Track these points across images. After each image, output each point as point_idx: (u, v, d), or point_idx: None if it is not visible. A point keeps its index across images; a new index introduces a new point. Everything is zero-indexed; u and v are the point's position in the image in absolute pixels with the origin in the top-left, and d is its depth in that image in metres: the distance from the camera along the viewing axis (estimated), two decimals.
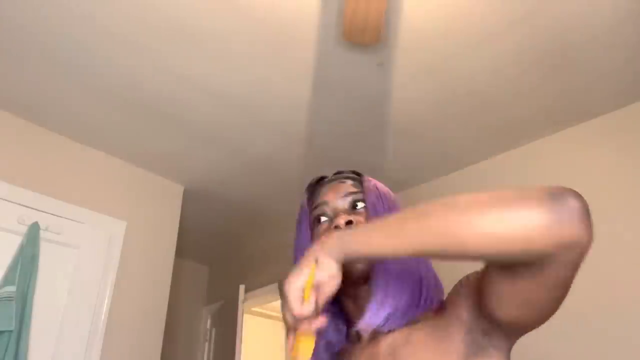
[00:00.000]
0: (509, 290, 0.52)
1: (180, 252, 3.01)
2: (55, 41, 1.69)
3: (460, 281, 0.65)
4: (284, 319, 0.60)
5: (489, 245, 0.46)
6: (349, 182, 0.77)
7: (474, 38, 1.73)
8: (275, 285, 3.14)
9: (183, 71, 1.86)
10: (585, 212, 0.45)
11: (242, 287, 3.21)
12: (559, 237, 0.44)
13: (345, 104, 2.06)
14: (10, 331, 1.66)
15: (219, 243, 3.50)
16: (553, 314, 0.53)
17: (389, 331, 0.65)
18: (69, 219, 2.08)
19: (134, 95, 1.98)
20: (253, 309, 3.98)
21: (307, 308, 0.56)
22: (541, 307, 0.52)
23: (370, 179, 0.79)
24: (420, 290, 0.66)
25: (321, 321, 0.58)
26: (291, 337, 0.58)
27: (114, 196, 2.33)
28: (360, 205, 0.73)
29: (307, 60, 1.82)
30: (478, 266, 0.62)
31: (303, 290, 0.57)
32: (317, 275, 0.57)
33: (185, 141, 2.30)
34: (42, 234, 1.92)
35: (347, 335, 0.74)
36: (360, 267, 0.66)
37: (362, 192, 0.75)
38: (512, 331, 0.57)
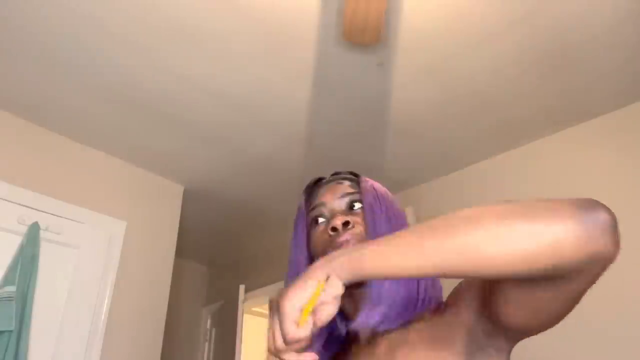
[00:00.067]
0: (525, 299, 0.51)
1: (180, 252, 3.01)
2: (55, 41, 1.69)
3: (465, 281, 0.64)
4: (269, 343, 0.52)
5: (519, 262, 0.44)
6: (346, 183, 0.77)
7: (474, 38, 1.73)
8: (275, 285, 3.14)
9: (183, 71, 1.86)
10: (614, 225, 0.44)
11: (242, 287, 3.21)
12: (589, 251, 0.43)
13: (345, 104, 2.06)
14: (10, 331, 1.66)
15: (219, 243, 3.50)
16: (561, 320, 0.53)
17: (387, 331, 0.65)
18: (69, 219, 2.08)
19: (134, 95, 1.98)
20: (253, 309, 3.98)
21: (303, 332, 0.49)
22: (551, 315, 0.52)
23: (368, 179, 0.79)
24: (417, 290, 0.66)
25: (311, 356, 0.51)
26: None
27: (114, 196, 2.33)
28: (357, 205, 0.73)
29: (307, 60, 1.82)
30: None
31: (301, 311, 0.50)
32: (323, 295, 0.50)
33: (185, 141, 2.30)
34: (42, 234, 1.92)
35: (346, 335, 0.74)
36: None
37: (359, 192, 0.75)
38: (516, 334, 0.57)
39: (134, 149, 2.35)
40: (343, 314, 0.74)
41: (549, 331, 0.54)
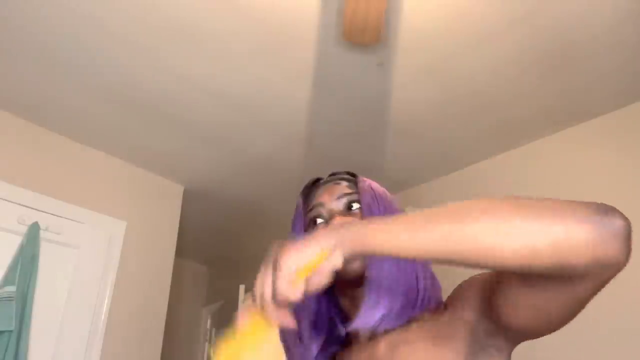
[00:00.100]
0: (529, 299, 0.50)
1: (180, 252, 3.00)
2: (55, 41, 1.69)
3: (466, 281, 0.64)
4: (257, 290, 0.51)
5: (527, 257, 0.44)
6: (344, 183, 0.76)
7: (473, 38, 1.73)
8: None
9: (183, 71, 1.86)
10: (628, 234, 0.44)
11: (242, 287, 3.21)
12: (598, 256, 0.43)
13: (345, 104, 2.06)
14: (10, 331, 1.66)
15: (219, 243, 3.50)
16: (565, 325, 0.52)
17: (387, 331, 0.65)
18: (69, 219, 2.08)
19: (134, 95, 1.98)
20: None
21: (294, 294, 0.49)
22: (555, 319, 0.51)
23: (365, 179, 0.79)
24: (416, 290, 0.66)
25: (290, 322, 0.51)
26: (248, 315, 0.51)
27: (114, 196, 2.33)
28: (355, 206, 0.73)
29: (307, 60, 1.82)
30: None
31: (298, 272, 0.49)
32: (325, 263, 0.50)
33: (185, 141, 2.30)
34: (42, 234, 1.92)
35: (346, 335, 0.74)
36: (355, 267, 0.65)
37: (357, 193, 0.75)
38: (517, 336, 0.57)
39: (134, 149, 2.35)
40: (343, 314, 0.74)
41: (555, 333, 0.54)
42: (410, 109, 2.10)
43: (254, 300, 0.51)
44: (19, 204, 1.93)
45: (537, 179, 2.23)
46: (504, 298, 0.53)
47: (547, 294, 0.48)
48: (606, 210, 0.44)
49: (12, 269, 1.77)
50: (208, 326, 3.54)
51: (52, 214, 2.02)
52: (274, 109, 2.09)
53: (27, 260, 1.81)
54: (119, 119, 2.13)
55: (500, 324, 0.55)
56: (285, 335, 0.71)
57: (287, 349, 0.71)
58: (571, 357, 1.83)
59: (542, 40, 1.73)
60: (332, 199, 0.74)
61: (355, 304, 0.68)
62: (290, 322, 0.51)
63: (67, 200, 2.12)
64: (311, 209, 0.75)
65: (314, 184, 0.81)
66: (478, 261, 0.46)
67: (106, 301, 2.09)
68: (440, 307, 0.66)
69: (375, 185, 0.78)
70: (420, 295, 0.66)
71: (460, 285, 0.65)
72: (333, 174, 0.81)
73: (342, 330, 0.73)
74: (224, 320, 3.37)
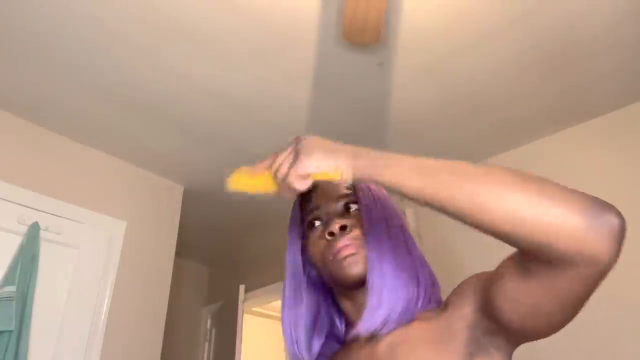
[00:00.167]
0: (521, 291, 0.51)
1: (180, 252, 3.00)
2: (55, 41, 1.69)
3: (465, 280, 0.64)
4: (276, 165, 0.60)
5: (513, 224, 0.45)
6: (342, 184, 0.76)
7: (473, 38, 1.73)
8: (275, 285, 3.15)
9: (183, 71, 1.86)
10: (619, 234, 0.44)
11: (242, 287, 3.21)
12: (584, 245, 0.43)
13: (345, 104, 2.06)
14: (10, 331, 1.66)
15: (219, 243, 3.50)
16: (561, 328, 0.52)
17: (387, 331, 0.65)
18: (69, 219, 2.08)
19: (134, 95, 1.98)
20: (253, 309, 3.98)
21: (301, 186, 0.58)
22: (549, 319, 0.51)
23: None
24: (417, 290, 0.66)
25: (289, 195, 0.60)
26: (264, 169, 0.63)
27: (114, 196, 2.33)
28: (353, 207, 0.73)
29: (307, 60, 1.82)
30: (479, 268, 0.62)
31: (310, 174, 0.58)
32: (334, 182, 0.58)
33: (186, 141, 2.30)
34: (42, 234, 1.92)
35: (345, 335, 0.74)
36: (357, 271, 0.66)
37: (355, 193, 0.74)
38: (516, 337, 0.57)
39: (134, 149, 2.35)
40: (343, 315, 0.74)
41: (555, 335, 0.54)
42: (410, 109, 2.10)
43: (268, 171, 0.62)
44: (19, 204, 1.93)
45: None
46: (503, 296, 0.54)
47: (538, 285, 0.49)
48: (602, 205, 0.45)
49: (12, 269, 1.77)
50: (208, 326, 3.54)
51: (52, 214, 2.02)
52: (274, 109, 2.09)
53: (27, 260, 1.80)
54: (119, 119, 2.13)
55: (501, 323, 0.55)
56: (285, 336, 0.71)
57: (288, 349, 0.71)
58: (571, 357, 1.83)
59: (542, 40, 1.73)
60: (330, 201, 0.73)
61: (357, 307, 0.68)
62: (289, 195, 0.60)
63: (67, 200, 2.12)
64: (309, 212, 0.74)
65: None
66: (471, 214, 0.48)
67: (106, 301, 2.09)
68: (440, 307, 0.66)
69: (372, 184, 0.78)
70: (421, 295, 0.66)
71: (460, 285, 0.65)
72: None
73: (341, 330, 0.73)
74: (224, 320, 3.37)
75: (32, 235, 1.87)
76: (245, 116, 2.14)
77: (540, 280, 0.48)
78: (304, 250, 0.75)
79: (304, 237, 0.75)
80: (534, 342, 0.57)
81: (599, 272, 0.45)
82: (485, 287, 0.58)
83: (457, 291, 0.64)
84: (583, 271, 0.45)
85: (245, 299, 3.22)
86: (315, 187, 0.78)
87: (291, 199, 0.62)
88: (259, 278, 3.31)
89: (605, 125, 2.11)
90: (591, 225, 0.43)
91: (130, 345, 2.16)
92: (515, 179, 0.48)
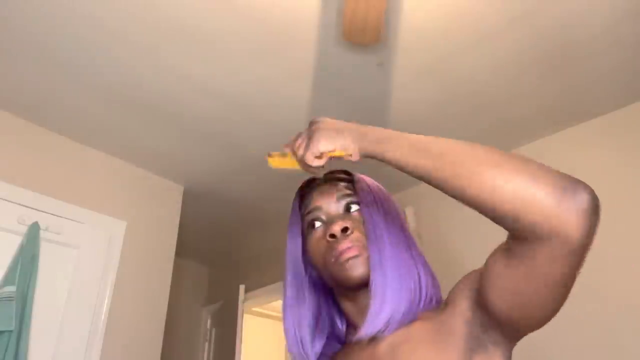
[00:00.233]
0: (505, 277, 0.52)
1: (180, 252, 3.01)
2: (55, 41, 1.69)
3: (463, 277, 0.65)
4: (295, 145, 0.67)
5: (491, 193, 0.48)
6: (341, 184, 0.75)
7: (473, 38, 1.73)
8: (275, 285, 3.15)
9: (183, 71, 1.86)
10: (590, 210, 0.45)
11: (242, 287, 3.21)
12: (552, 220, 0.44)
13: (345, 104, 2.06)
14: (10, 331, 1.66)
15: (219, 243, 3.50)
16: (550, 317, 0.53)
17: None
18: (69, 219, 2.08)
19: (134, 95, 1.98)
20: (253, 309, 3.98)
21: (317, 163, 0.64)
22: (535, 306, 0.52)
23: (362, 178, 0.78)
24: (419, 291, 0.66)
25: (309, 169, 0.66)
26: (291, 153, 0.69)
27: (114, 196, 2.33)
28: (354, 207, 0.72)
29: (307, 60, 1.82)
30: (477, 265, 0.62)
31: (323, 153, 0.64)
32: (345, 158, 0.64)
33: (185, 141, 2.30)
34: (42, 234, 1.92)
35: (346, 335, 0.74)
36: (359, 273, 0.66)
37: (356, 193, 0.74)
38: (509, 330, 0.57)
39: (133, 149, 2.35)
40: (345, 316, 0.74)
41: (551, 335, 0.54)
42: (410, 109, 2.10)
43: (288, 148, 0.70)
44: (19, 204, 1.93)
45: None
46: (491, 284, 0.55)
47: (521, 271, 0.50)
48: (574, 182, 0.46)
49: (12, 269, 1.77)
50: (208, 326, 3.54)
51: (52, 214, 2.02)
52: (274, 109, 2.09)
53: (27, 260, 1.80)
54: (119, 119, 2.13)
55: (494, 316, 0.56)
56: (288, 336, 0.71)
57: (291, 350, 0.71)
58: (572, 357, 1.83)
59: (542, 40, 1.73)
60: (330, 202, 0.73)
61: (358, 308, 0.68)
62: (309, 169, 0.66)
63: (67, 200, 2.12)
64: (309, 212, 0.74)
65: (309, 185, 0.80)
66: (453, 184, 0.52)
67: (106, 301, 2.09)
68: (440, 305, 0.66)
69: (371, 182, 0.77)
70: (423, 295, 0.66)
71: (458, 282, 0.65)
72: (329, 173, 0.80)
73: (342, 330, 0.73)
74: (224, 320, 3.37)
75: (32, 235, 1.87)
76: (245, 116, 2.14)
77: (521, 260, 0.50)
78: (304, 250, 0.75)
79: (304, 237, 0.75)
80: (534, 342, 0.57)
81: (573, 252, 0.46)
82: (478, 280, 0.59)
83: (455, 287, 0.65)
84: (557, 249, 0.46)
85: (245, 299, 3.22)
86: (315, 187, 0.78)
87: (317, 174, 0.70)
88: (259, 278, 3.31)
89: (605, 125, 2.11)
90: (560, 200, 0.44)
91: (130, 345, 2.16)
92: (494, 155, 0.52)
